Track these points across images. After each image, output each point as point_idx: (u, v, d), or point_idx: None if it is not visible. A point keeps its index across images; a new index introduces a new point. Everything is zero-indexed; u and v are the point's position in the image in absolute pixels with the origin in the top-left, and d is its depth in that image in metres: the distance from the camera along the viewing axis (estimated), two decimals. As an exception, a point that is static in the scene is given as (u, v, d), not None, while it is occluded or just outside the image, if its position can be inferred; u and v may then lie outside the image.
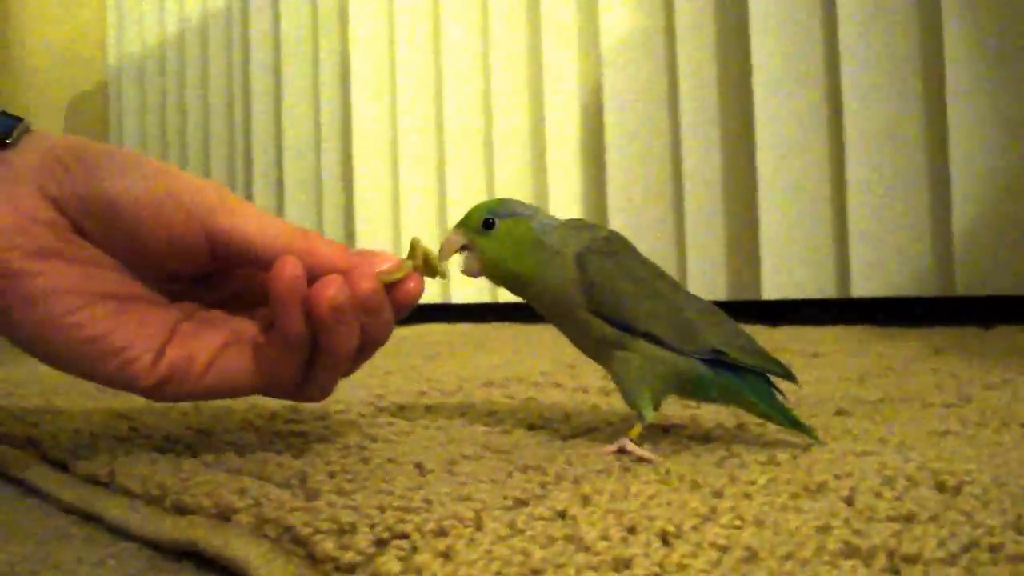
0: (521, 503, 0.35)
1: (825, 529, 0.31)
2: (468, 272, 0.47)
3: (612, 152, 1.33)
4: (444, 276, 0.44)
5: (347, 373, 0.43)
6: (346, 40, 1.69)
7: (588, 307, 0.44)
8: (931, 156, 1.07)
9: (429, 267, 0.43)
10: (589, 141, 1.41)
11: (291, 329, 0.39)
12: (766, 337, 0.96)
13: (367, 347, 0.42)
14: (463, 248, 0.46)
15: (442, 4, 1.56)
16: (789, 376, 0.44)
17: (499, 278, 0.46)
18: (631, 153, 1.33)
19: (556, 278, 0.45)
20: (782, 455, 0.42)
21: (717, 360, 0.44)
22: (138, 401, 0.60)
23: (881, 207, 1.09)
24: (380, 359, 0.88)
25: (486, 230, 0.46)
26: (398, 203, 1.61)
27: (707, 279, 1.24)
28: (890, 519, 0.32)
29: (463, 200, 1.53)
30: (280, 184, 1.86)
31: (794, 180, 1.16)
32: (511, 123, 1.49)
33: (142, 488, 0.39)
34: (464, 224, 0.46)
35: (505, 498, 0.35)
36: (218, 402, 0.60)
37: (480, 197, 1.52)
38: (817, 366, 0.75)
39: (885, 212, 1.09)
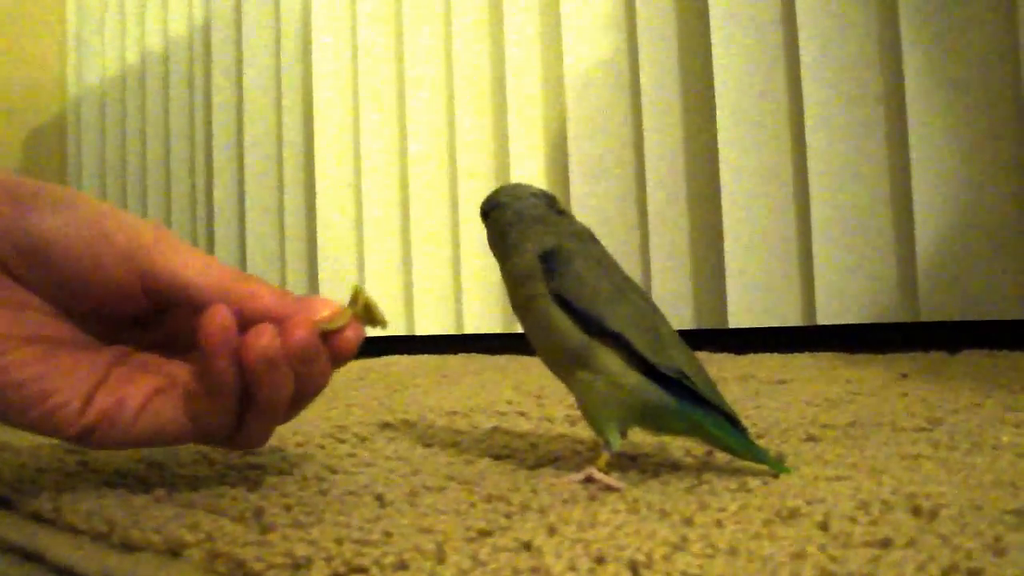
0: (485, 534, 0.34)
1: (800, 556, 0.30)
2: None
3: (576, 180, 1.33)
4: (384, 326, 0.41)
5: (283, 421, 0.42)
6: (309, 73, 1.68)
7: (549, 287, 0.43)
8: (894, 185, 1.08)
9: (370, 316, 0.41)
10: (554, 171, 1.41)
11: (221, 379, 0.38)
12: (732, 365, 0.96)
13: (302, 396, 0.40)
14: None
15: (406, 35, 1.56)
16: (733, 421, 0.43)
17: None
18: (595, 181, 1.32)
19: (523, 260, 0.45)
20: (753, 482, 0.41)
21: (680, 389, 0.42)
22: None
23: (845, 235, 1.09)
24: (342, 391, 0.86)
25: (485, 219, 0.49)
26: (362, 234, 1.59)
27: (673, 307, 1.24)
28: (867, 544, 0.31)
29: (427, 231, 1.52)
30: (242, 214, 1.84)
31: (759, 209, 1.16)
32: (475, 156, 1.48)
33: (88, 524, 0.37)
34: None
35: (468, 529, 0.34)
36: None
37: (445, 231, 1.52)
38: (785, 393, 0.74)
39: (849, 240, 1.09)
